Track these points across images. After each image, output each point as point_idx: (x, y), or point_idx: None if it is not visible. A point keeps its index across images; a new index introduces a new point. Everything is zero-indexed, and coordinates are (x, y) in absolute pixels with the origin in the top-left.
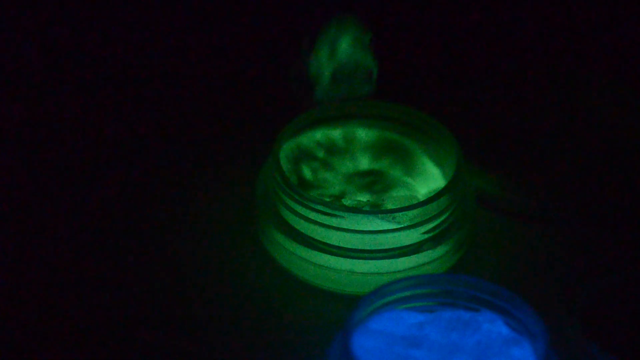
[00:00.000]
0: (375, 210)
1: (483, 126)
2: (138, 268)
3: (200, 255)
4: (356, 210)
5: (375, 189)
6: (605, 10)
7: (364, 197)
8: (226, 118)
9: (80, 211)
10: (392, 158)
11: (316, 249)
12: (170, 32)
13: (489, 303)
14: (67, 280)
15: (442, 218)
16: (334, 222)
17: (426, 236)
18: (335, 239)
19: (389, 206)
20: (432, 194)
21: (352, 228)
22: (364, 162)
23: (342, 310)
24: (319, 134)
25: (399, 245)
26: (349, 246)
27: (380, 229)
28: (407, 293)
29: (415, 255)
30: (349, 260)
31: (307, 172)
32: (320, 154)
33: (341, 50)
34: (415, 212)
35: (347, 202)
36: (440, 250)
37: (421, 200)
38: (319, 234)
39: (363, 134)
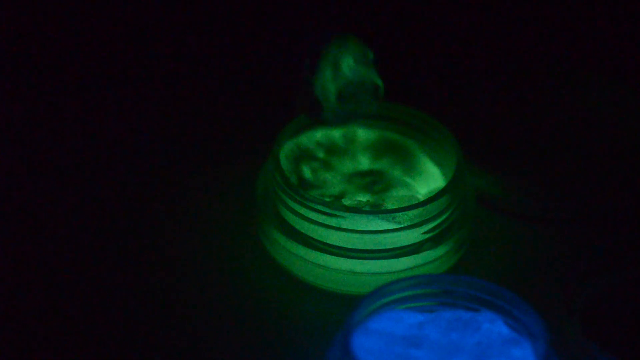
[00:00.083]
0: (375, 210)
1: (483, 126)
2: (138, 268)
3: (200, 255)
4: (356, 210)
5: (375, 189)
6: (605, 10)
7: (364, 197)
8: (226, 118)
9: (80, 211)
10: (392, 158)
11: (316, 249)
12: (171, 33)
13: (489, 303)
14: (67, 280)
15: (442, 218)
16: (334, 222)
17: (426, 236)
18: (335, 239)
19: (389, 206)
20: (432, 194)
21: (352, 228)
22: (364, 162)
23: (342, 310)
24: (319, 134)
25: (399, 245)
26: (349, 246)
27: (380, 229)
28: (407, 293)
29: (415, 255)
30: (349, 260)
31: (307, 172)
32: (320, 154)
33: (344, 69)
34: (415, 212)
35: (347, 202)
36: (440, 250)
37: (421, 200)
38: (319, 234)
39: (363, 134)
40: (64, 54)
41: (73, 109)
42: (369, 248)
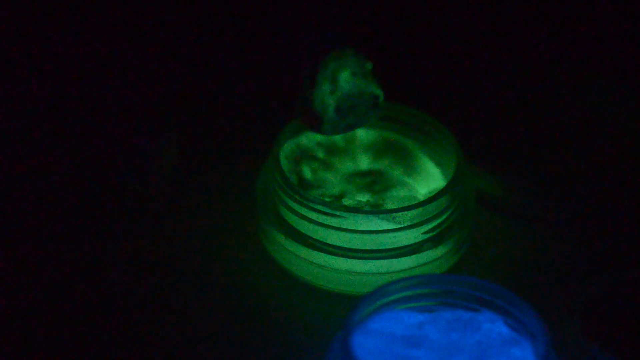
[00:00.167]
0: (375, 210)
1: (483, 126)
2: (138, 268)
3: (200, 255)
4: (356, 210)
5: (375, 189)
6: (605, 10)
7: (364, 197)
8: (226, 118)
9: (80, 211)
10: (392, 158)
11: (316, 249)
12: (172, 33)
13: (489, 303)
14: (67, 281)
15: (442, 218)
16: (334, 222)
17: (426, 236)
18: (335, 239)
19: (389, 206)
20: (432, 194)
21: (352, 228)
22: (364, 162)
23: (342, 310)
24: (319, 134)
25: (399, 245)
26: (349, 246)
27: (380, 229)
28: (407, 293)
29: (415, 255)
30: (349, 260)
31: (307, 172)
32: (320, 154)
33: (341, 83)
34: (415, 212)
35: (347, 202)
36: (440, 250)
37: (421, 200)
38: (319, 234)
39: (363, 134)
40: (64, 54)
41: (73, 109)
42: (369, 248)
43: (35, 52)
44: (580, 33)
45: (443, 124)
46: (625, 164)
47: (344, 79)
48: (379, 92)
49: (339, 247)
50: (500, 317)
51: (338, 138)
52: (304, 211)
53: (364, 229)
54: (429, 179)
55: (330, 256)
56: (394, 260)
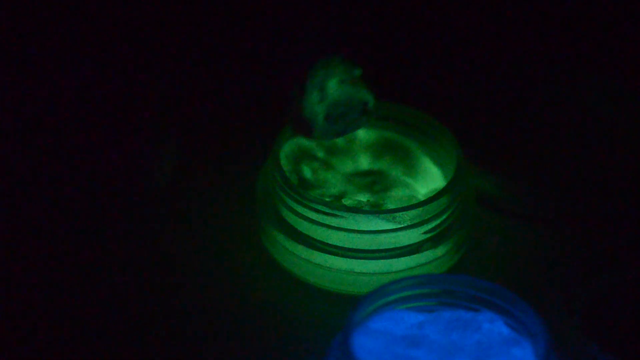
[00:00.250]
0: (375, 210)
1: (483, 126)
2: (138, 268)
3: (201, 255)
4: (356, 210)
5: (375, 189)
6: (605, 10)
7: (364, 197)
8: (226, 118)
9: (80, 211)
10: (392, 158)
11: (316, 249)
12: (172, 33)
13: (489, 303)
14: (67, 281)
15: (442, 218)
16: (334, 222)
17: (426, 236)
18: (335, 239)
19: (389, 206)
20: (432, 194)
21: (352, 228)
22: (364, 162)
23: (342, 310)
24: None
25: (399, 245)
26: (349, 246)
27: (380, 229)
28: (407, 293)
29: (415, 255)
30: (349, 260)
31: (307, 172)
32: (320, 154)
33: (329, 91)
34: (415, 212)
35: (347, 202)
36: (440, 250)
37: (421, 200)
38: (319, 234)
39: (363, 134)
40: (63, 54)
41: (73, 109)
42: (369, 248)
43: (36, 55)
44: (580, 33)
45: (443, 124)
46: (625, 163)
47: (332, 87)
48: (368, 97)
49: (339, 247)
50: (500, 317)
51: (338, 138)
52: (304, 211)
53: (364, 229)
54: (429, 179)
55: (330, 256)
56: (394, 260)
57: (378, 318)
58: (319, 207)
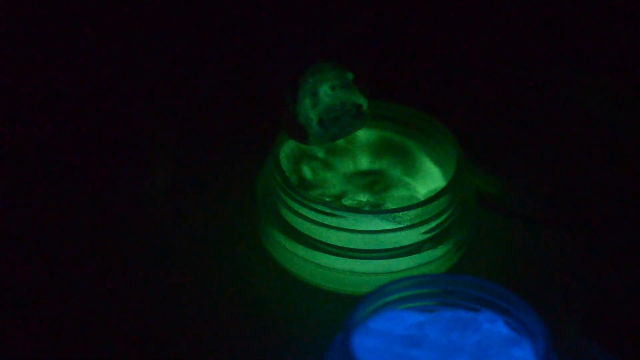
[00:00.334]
0: (375, 210)
1: (483, 126)
2: (138, 268)
3: (201, 255)
4: (356, 210)
5: (375, 189)
6: (605, 10)
7: (364, 197)
8: (226, 118)
9: (80, 211)
10: (392, 158)
11: (316, 249)
12: (172, 33)
13: (489, 303)
14: (67, 281)
15: (442, 218)
16: (334, 222)
17: (426, 236)
18: (335, 239)
19: (389, 206)
20: (432, 194)
21: (352, 228)
22: (364, 162)
23: (342, 310)
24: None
25: (399, 245)
26: (349, 246)
27: (380, 229)
28: (407, 293)
29: (415, 255)
30: (349, 260)
31: (307, 172)
32: (320, 154)
33: (322, 96)
34: (415, 212)
35: (347, 202)
36: (440, 250)
37: (421, 200)
38: (319, 234)
39: (363, 134)
40: (62, 54)
41: (73, 109)
42: (369, 248)
43: (34, 59)
44: (580, 33)
45: (443, 124)
46: (625, 164)
47: (324, 93)
48: (361, 101)
49: (339, 247)
50: (500, 317)
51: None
52: (304, 211)
53: (364, 229)
54: (429, 179)
55: (330, 256)
56: (394, 260)
57: (378, 318)
58: (319, 207)
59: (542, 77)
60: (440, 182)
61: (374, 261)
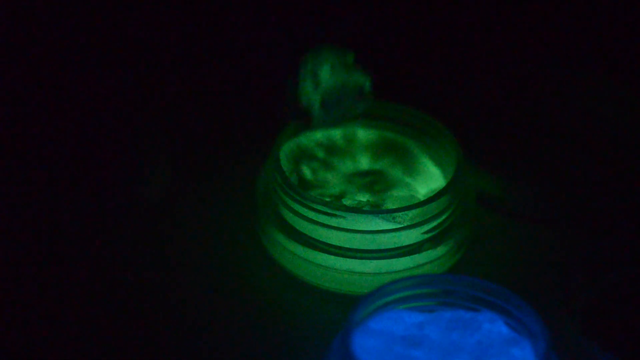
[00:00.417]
0: (375, 210)
1: (483, 126)
2: (138, 268)
3: (201, 255)
4: (356, 210)
5: (375, 189)
6: (605, 10)
7: (364, 197)
8: (226, 118)
9: (80, 211)
10: (392, 158)
11: (316, 249)
12: (173, 33)
13: (489, 303)
14: (68, 282)
15: (442, 218)
16: (334, 222)
17: (426, 236)
18: (335, 239)
19: (389, 206)
20: (432, 194)
21: (352, 228)
22: (364, 162)
23: (342, 310)
24: (319, 134)
25: (399, 245)
26: (349, 246)
27: (380, 229)
28: (407, 293)
29: (415, 255)
30: (349, 260)
31: (307, 172)
32: (320, 154)
33: (323, 78)
34: (415, 212)
35: (347, 202)
36: (440, 250)
37: (421, 200)
38: (319, 234)
39: (363, 134)
40: (62, 55)
41: (74, 109)
42: (369, 248)
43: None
44: (580, 33)
45: (443, 124)
46: (625, 164)
47: (325, 74)
48: (363, 81)
49: (339, 247)
50: (500, 317)
51: (338, 138)
52: (304, 211)
53: (364, 229)
54: (429, 179)
55: (330, 256)
56: (394, 260)
57: (378, 318)
58: (319, 207)
59: (543, 77)
60: (440, 182)
61: (374, 261)
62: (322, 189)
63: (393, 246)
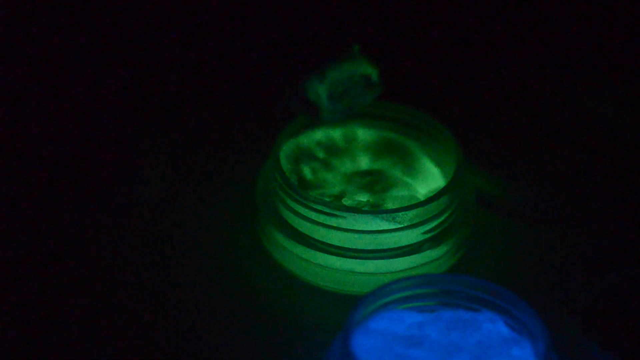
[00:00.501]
0: (375, 210)
1: (483, 126)
2: (138, 268)
3: (201, 255)
4: (356, 210)
5: (375, 189)
6: (605, 10)
7: (364, 197)
8: (226, 118)
9: (80, 212)
10: (392, 158)
11: (316, 249)
12: (172, 33)
13: (489, 303)
14: (68, 282)
15: (442, 218)
16: (334, 222)
17: (426, 236)
18: (335, 239)
19: (389, 206)
20: (432, 194)
21: (352, 228)
22: (364, 162)
23: (342, 310)
24: (319, 134)
25: (399, 245)
26: (349, 246)
27: (380, 229)
28: (407, 293)
29: (415, 255)
30: (349, 260)
31: (307, 172)
32: (320, 154)
33: (329, 69)
34: (415, 212)
35: (347, 202)
36: (440, 250)
37: (421, 200)
38: (319, 234)
39: (363, 134)
40: (62, 55)
41: (75, 109)
42: (369, 248)
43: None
44: (580, 33)
45: (443, 124)
46: (625, 164)
47: (330, 66)
48: (370, 70)
49: (339, 247)
50: (500, 317)
51: (338, 138)
52: (304, 211)
53: (364, 229)
54: (429, 179)
55: (330, 256)
56: (394, 260)
57: (378, 318)
58: (319, 207)
59: (542, 77)
60: (440, 182)
61: (374, 261)
62: (322, 189)
63: (393, 246)
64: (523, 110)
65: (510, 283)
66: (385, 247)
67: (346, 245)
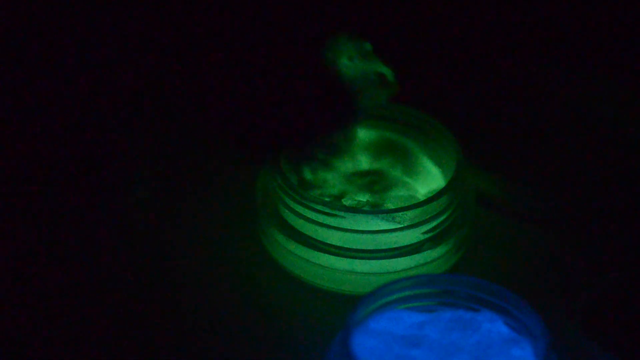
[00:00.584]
0: (375, 210)
1: (483, 126)
2: (139, 268)
3: (201, 256)
4: (356, 210)
5: (375, 189)
6: (605, 10)
7: (364, 197)
8: (226, 118)
9: (81, 212)
10: (392, 158)
11: (316, 249)
12: (173, 34)
13: (489, 303)
14: (68, 282)
15: (442, 218)
16: (334, 222)
17: (426, 236)
18: (335, 239)
19: (389, 206)
20: (432, 194)
21: (352, 228)
22: (364, 162)
23: (342, 310)
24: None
25: (399, 245)
26: (349, 246)
27: (380, 229)
28: (407, 293)
29: (415, 255)
30: (349, 260)
31: (307, 172)
32: (320, 154)
33: (342, 68)
34: (415, 212)
35: (347, 202)
36: (440, 250)
37: (421, 200)
38: (319, 234)
39: (363, 134)
40: (62, 55)
41: (72, 110)
42: (369, 248)
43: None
44: (580, 32)
45: (443, 124)
46: (625, 164)
47: (343, 65)
48: (384, 69)
49: (339, 247)
50: (500, 317)
51: (338, 138)
52: (304, 211)
53: (364, 229)
54: (429, 179)
55: (330, 256)
56: (394, 260)
57: (378, 318)
58: (319, 207)
59: (542, 77)
60: (440, 182)
61: (374, 261)
62: (322, 189)
63: (393, 246)
64: (523, 110)
65: (510, 283)
66: (385, 247)
67: (346, 245)
